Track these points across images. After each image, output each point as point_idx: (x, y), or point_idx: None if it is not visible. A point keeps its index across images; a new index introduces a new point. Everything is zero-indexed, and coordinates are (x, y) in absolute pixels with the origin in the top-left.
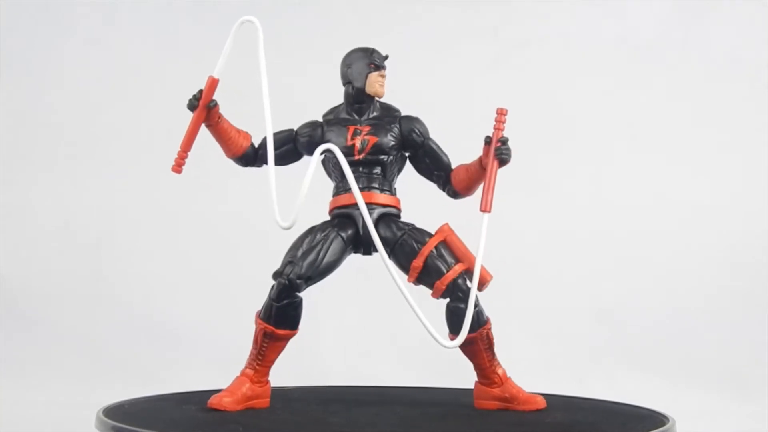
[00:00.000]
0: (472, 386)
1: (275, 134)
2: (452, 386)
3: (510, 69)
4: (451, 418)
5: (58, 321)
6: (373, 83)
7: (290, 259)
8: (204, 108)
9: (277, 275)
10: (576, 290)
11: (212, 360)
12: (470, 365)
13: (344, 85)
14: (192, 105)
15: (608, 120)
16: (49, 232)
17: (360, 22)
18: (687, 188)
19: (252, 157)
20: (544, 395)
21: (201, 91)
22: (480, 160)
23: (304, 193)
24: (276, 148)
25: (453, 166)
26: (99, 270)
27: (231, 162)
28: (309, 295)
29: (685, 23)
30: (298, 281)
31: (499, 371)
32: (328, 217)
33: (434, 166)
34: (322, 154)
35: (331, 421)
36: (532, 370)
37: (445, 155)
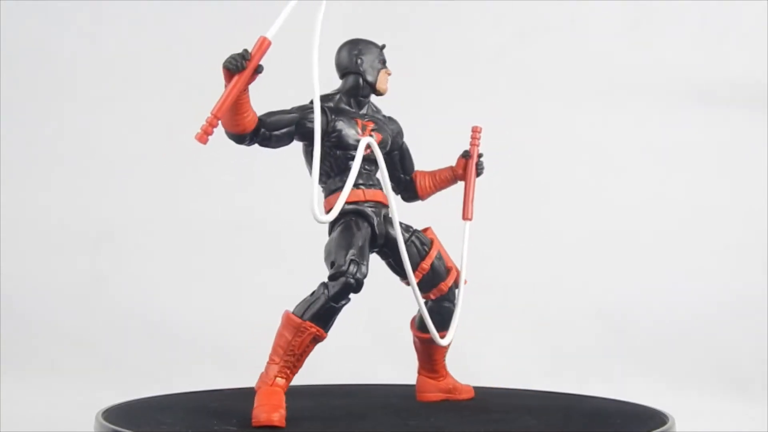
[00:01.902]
0: (468, 382)
1: (279, 113)
2: None
3: (508, 67)
4: (454, 414)
5: (58, 321)
6: (382, 80)
7: (352, 257)
8: (252, 71)
9: (340, 275)
10: (577, 290)
11: (213, 360)
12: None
13: (347, 75)
14: (238, 65)
15: (609, 119)
16: (48, 232)
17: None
18: (687, 189)
19: (253, 135)
20: (545, 393)
21: (246, 51)
22: (452, 170)
23: (350, 186)
24: (277, 129)
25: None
26: (99, 270)
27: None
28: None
29: (687, 22)
30: (364, 280)
31: (445, 365)
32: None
33: (403, 169)
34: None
35: (337, 422)
36: (533, 369)
37: (413, 160)
